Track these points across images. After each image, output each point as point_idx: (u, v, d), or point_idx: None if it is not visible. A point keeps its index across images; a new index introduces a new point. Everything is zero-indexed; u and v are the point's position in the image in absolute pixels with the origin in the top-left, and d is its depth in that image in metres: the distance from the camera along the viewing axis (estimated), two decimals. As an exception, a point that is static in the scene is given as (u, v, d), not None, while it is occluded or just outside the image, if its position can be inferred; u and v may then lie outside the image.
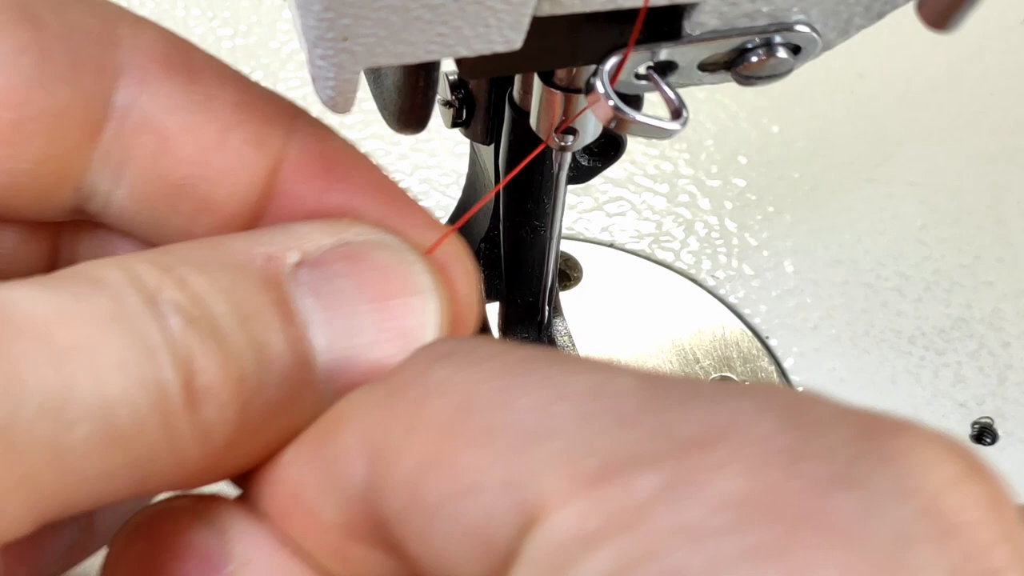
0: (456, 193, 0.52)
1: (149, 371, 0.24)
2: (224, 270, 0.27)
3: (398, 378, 0.26)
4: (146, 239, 0.32)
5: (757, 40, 0.30)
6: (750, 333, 0.53)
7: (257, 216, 0.31)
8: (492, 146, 0.41)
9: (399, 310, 0.29)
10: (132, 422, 0.24)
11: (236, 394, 0.26)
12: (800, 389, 0.51)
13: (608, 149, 0.40)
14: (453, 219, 0.47)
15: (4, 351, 0.23)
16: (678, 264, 0.56)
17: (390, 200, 0.31)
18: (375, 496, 0.26)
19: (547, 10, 0.27)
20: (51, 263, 0.33)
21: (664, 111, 0.30)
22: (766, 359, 0.52)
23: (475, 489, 0.24)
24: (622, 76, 0.30)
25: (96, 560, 0.29)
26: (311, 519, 0.27)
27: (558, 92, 0.34)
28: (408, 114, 0.32)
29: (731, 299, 0.55)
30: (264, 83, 0.60)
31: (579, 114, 0.34)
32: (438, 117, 0.38)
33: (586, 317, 0.52)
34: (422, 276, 0.30)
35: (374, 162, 0.32)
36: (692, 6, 0.28)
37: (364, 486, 0.26)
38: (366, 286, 0.29)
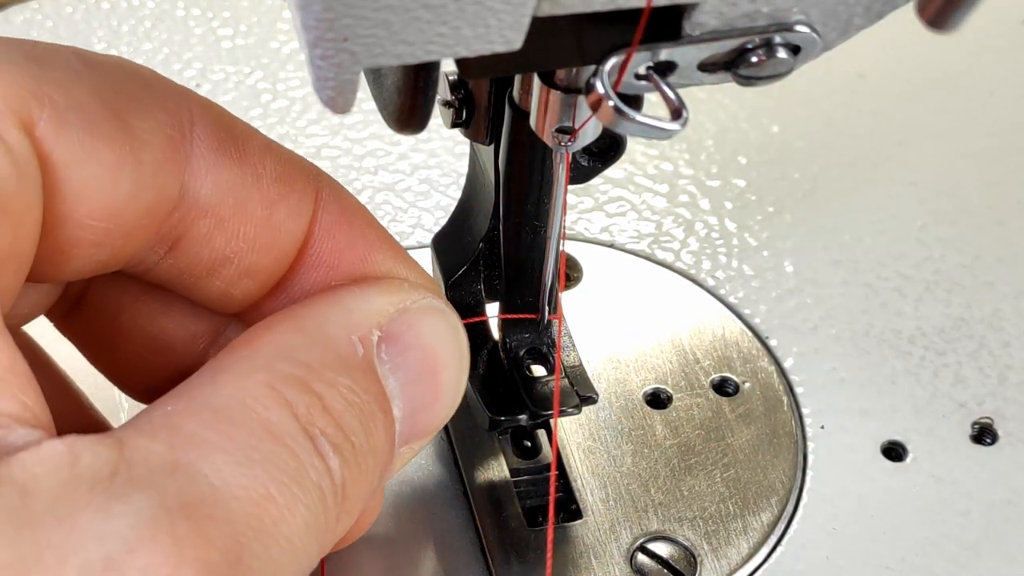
0: (456, 193, 0.52)
1: (323, 520, 0.29)
2: (341, 372, 0.31)
3: None
4: (176, 291, 0.34)
5: (757, 40, 0.30)
6: (750, 333, 0.53)
7: (289, 273, 0.35)
8: (492, 146, 0.41)
9: (445, 374, 0.34)
10: (306, 560, 0.29)
11: (365, 493, 0.31)
12: (800, 390, 0.51)
13: (608, 149, 0.40)
14: (453, 219, 0.47)
15: (239, 549, 0.27)
16: (678, 264, 0.56)
17: (394, 251, 0.36)
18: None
19: (547, 10, 0.27)
20: (64, 294, 0.36)
21: (664, 111, 0.30)
22: (766, 359, 0.52)
23: None
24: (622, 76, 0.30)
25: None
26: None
27: (558, 92, 0.34)
28: (408, 114, 0.32)
29: (731, 299, 0.55)
30: (264, 83, 0.61)
31: (587, 121, 0.34)
32: (438, 117, 0.38)
33: (586, 317, 0.52)
34: (462, 340, 0.35)
35: (375, 218, 0.36)
36: (692, 6, 0.28)
37: None
38: (427, 358, 0.33)
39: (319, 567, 0.38)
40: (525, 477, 0.47)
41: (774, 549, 0.46)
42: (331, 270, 0.35)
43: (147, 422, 0.28)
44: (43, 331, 0.37)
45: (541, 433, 0.48)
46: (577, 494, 0.46)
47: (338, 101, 0.27)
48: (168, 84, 0.33)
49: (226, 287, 0.34)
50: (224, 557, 0.26)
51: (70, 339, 0.38)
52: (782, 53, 0.30)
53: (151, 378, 0.37)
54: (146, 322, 0.37)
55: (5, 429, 0.26)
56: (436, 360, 0.33)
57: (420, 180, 0.59)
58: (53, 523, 0.25)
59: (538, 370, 0.45)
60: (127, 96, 0.31)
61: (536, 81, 0.35)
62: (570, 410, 0.44)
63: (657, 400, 0.50)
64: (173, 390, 0.30)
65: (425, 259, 0.49)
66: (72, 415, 0.37)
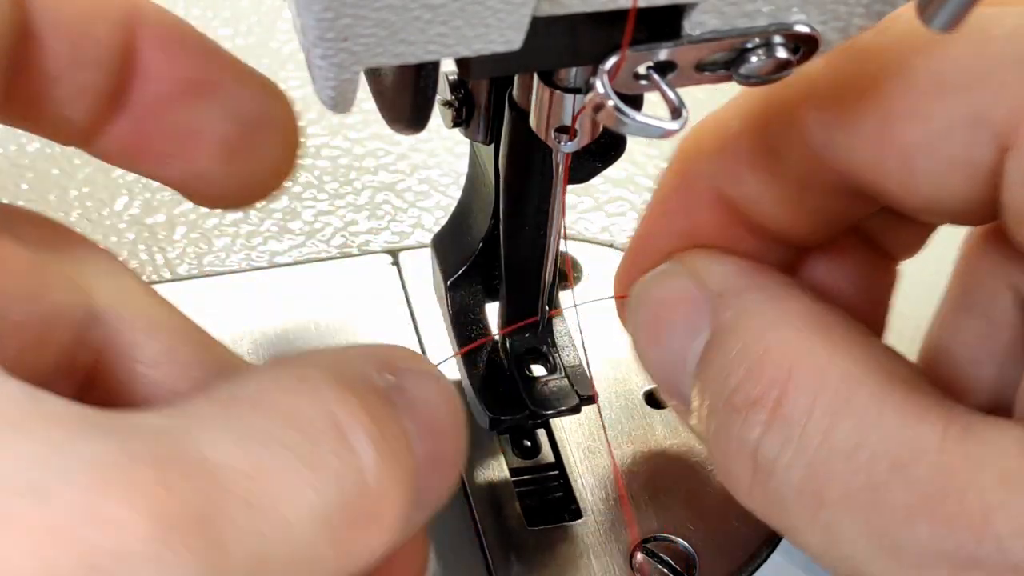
0: (456, 193, 0.53)
1: (340, 510, 0.27)
2: (369, 392, 0.30)
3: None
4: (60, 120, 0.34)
5: (757, 40, 0.30)
6: (750, 333, 0.53)
7: (125, 89, 0.34)
8: (492, 146, 0.41)
9: (451, 440, 0.33)
10: (310, 549, 0.27)
11: (402, 500, 0.29)
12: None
13: (608, 149, 0.40)
14: (453, 219, 0.47)
15: (213, 519, 0.24)
16: (678, 264, 0.56)
17: (226, 59, 0.36)
18: (833, 150, 0.34)
19: (547, 10, 0.27)
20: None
21: (664, 111, 0.30)
22: (766, 359, 0.52)
23: (947, 130, 0.31)
24: (622, 76, 0.30)
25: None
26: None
27: (558, 92, 0.34)
28: (408, 114, 0.32)
29: (731, 299, 0.55)
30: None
31: (579, 112, 0.34)
32: (438, 117, 0.38)
33: (586, 317, 0.52)
34: (459, 413, 0.33)
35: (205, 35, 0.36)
36: (692, 6, 0.28)
37: (820, 143, 0.34)
38: (434, 416, 0.32)
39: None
40: (525, 477, 0.47)
41: (774, 549, 0.46)
42: (165, 80, 0.34)
43: (158, 405, 0.27)
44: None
45: (541, 433, 0.48)
46: (577, 494, 0.46)
47: (338, 101, 0.27)
48: None
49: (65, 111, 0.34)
50: (184, 510, 0.24)
51: None
52: (782, 53, 0.30)
53: None
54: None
55: None
56: (442, 424, 0.32)
57: (420, 180, 0.59)
58: None
59: (538, 370, 0.45)
60: None
61: (536, 81, 0.35)
62: (569, 410, 0.45)
63: (657, 400, 0.50)
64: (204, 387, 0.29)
65: (425, 259, 0.49)
66: None
